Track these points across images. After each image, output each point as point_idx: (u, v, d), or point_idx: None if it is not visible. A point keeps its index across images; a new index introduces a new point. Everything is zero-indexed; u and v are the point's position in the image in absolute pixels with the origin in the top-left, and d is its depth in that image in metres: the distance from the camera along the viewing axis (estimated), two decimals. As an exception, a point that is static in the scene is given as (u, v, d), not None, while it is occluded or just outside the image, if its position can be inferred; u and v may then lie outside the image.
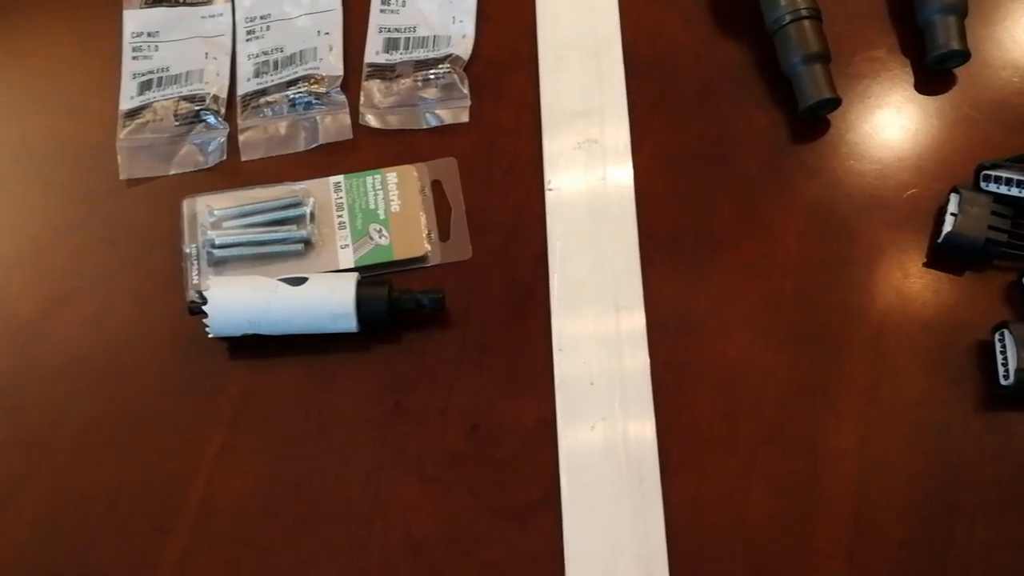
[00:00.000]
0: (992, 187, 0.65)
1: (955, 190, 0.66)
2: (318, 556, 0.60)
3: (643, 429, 0.61)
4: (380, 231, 0.68)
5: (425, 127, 0.72)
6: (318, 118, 0.72)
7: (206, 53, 0.75)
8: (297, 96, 0.72)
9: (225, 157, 0.72)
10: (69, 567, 0.60)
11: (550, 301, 0.66)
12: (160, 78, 0.74)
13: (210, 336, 0.64)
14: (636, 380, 0.63)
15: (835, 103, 0.69)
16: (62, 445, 0.64)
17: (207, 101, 0.72)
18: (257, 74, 0.74)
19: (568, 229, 0.68)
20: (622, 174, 0.70)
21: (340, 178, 0.70)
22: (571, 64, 0.74)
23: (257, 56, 0.75)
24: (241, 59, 0.75)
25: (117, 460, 0.63)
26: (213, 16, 0.77)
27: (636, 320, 0.65)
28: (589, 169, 0.70)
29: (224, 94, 0.74)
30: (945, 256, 0.66)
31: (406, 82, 0.72)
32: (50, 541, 0.61)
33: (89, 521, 0.62)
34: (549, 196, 0.69)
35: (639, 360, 0.63)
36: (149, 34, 0.76)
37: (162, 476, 0.63)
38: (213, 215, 0.68)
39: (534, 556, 0.59)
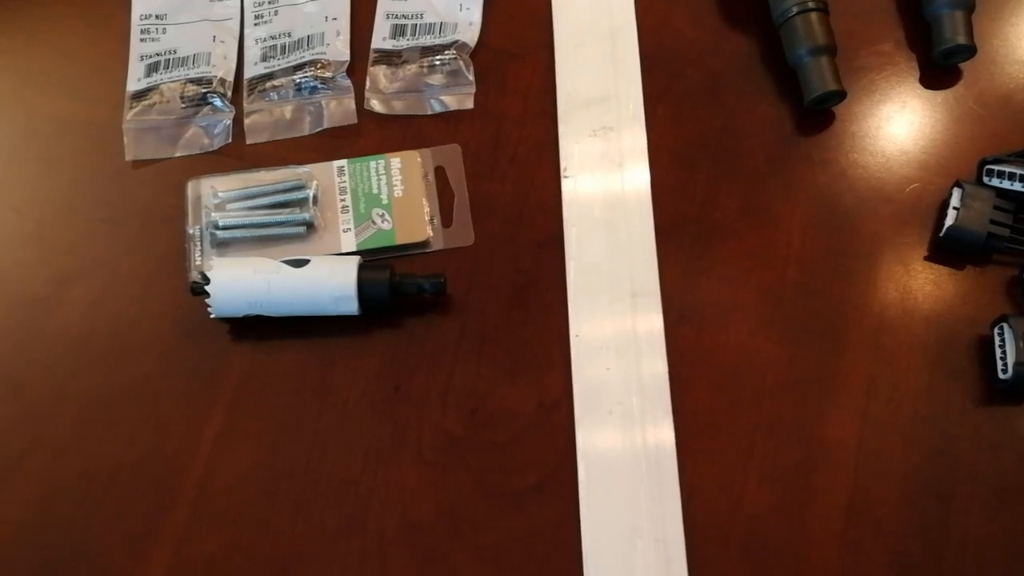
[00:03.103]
0: (995, 182, 0.65)
1: (958, 184, 0.66)
2: (316, 537, 0.60)
3: (658, 414, 0.62)
4: (383, 215, 0.68)
5: (430, 113, 0.72)
6: (323, 102, 0.72)
7: (214, 36, 0.75)
8: (303, 80, 0.72)
9: (230, 140, 0.72)
10: (67, 544, 0.61)
11: (567, 288, 0.66)
12: (167, 60, 0.74)
13: (212, 317, 0.64)
14: (653, 367, 0.63)
15: (840, 96, 0.69)
16: (63, 423, 0.64)
17: (214, 84, 0.73)
18: (264, 58, 0.74)
19: (583, 216, 0.68)
20: (638, 161, 0.70)
21: (344, 162, 0.70)
22: (586, 51, 0.74)
23: (264, 40, 0.75)
24: (248, 43, 0.75)
25: (117, 439, 0.63)
26: (221, 0, 0.77)
27: (652, 306, 0.65)
28: (605, 156, 0.70)
29: (231, 77, 0.74)
30: (947, 250, 0.66)
31: (412, 68, 0.72)
32: (49, 518, 0.61)
33: (88, 499, 0.62)
34: (565, 183, 0.69)
35: (655, 347, 0.64)
36: (157, 16, 0.76)
37: (162, 455, 0.63)
38: (217, 197, 0.68)
39: (531, 539, 0.59)
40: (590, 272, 0.66)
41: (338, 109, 0.72)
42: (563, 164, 0.70)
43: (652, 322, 0.64)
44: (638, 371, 0.63)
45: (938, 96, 0.71)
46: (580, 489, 0.60)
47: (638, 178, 0.69)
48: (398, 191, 0.69)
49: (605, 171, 0.69)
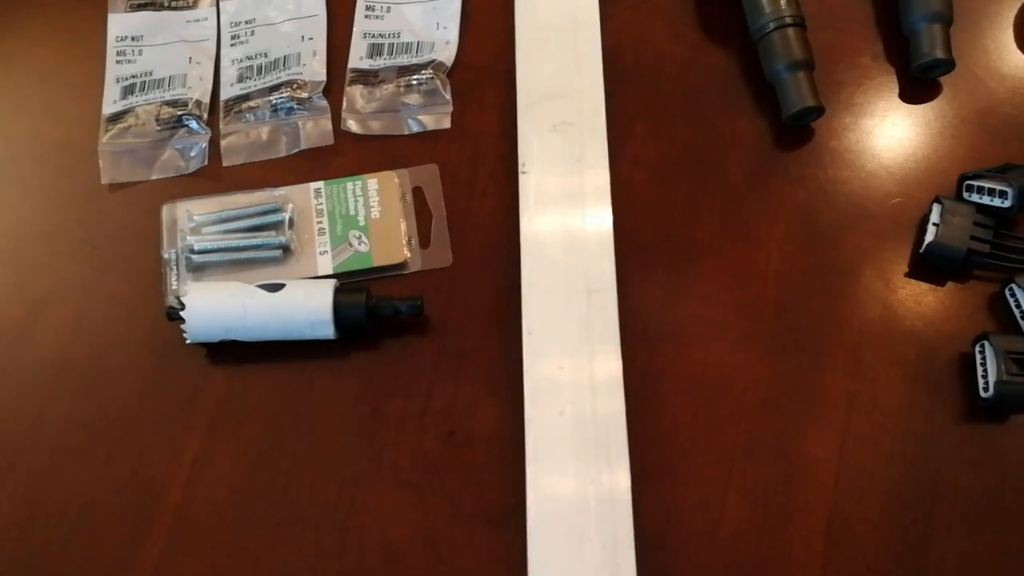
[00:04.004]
0: (974, 197, 0.65)
1: (937, 200, 0.65)
2: (294, 563, 0.60)
3: (612, 458, 0.59)
4: (360, 238, 0.68)
5: (407, 133, 0.72)
6: (300, 123, 0.72)
7: (190, 58, 0.75)
8: (279, 101, 0.72)
9: (207, 162, 0.72)
10: (44, 571, 0.60)
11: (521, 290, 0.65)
12: (143, 82, 0.74)
13: (188, 342, 0.64)
14: (609, 407, 0.60)
15: (819, 111, 0.69)
16: (39, 449, 0.64)
17: (190, 106, 0.72)
18: (240, 79, 0.74)
19: (541, 211, 0.67)
20: (598, 156, 0.68)
21: (320, 184, 0.69)
22: (548, 45, 0.72)
23: (241, 61, 0.75)
24: (225, 64, 0.75)
25: (94, 464, 0.63)
26: (198, 20, 0.77)
27: (608, 305, 0.63)
28: (565, 151, 0.68)
29: (207, 99, 0.73)
30: (927, 266, 0.66)
31: (389, 88, 0.72)
32: (25, 544, 0.61)
33: (65, 525, 0.61)
34: (522, 179, 0.68)
35: (612, 375, 0.61)
36: (133, 38, 0.76)
37: (139, 481, 0.62)
38: (193, 220, 0.68)
39: (510, 562, 0.59)
40: (546, 270, 0.64)
41: (315, 130, 0.72)
42: (521, 160, 0.68)
43: (608, 327, 0.62)
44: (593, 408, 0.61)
45: (917, 110, 0.71)
46: (529, 523, 0.58)
47: (598, 173, 0.67)
48: (375, 212, 0.68)
49: (564, 166, 0.68)
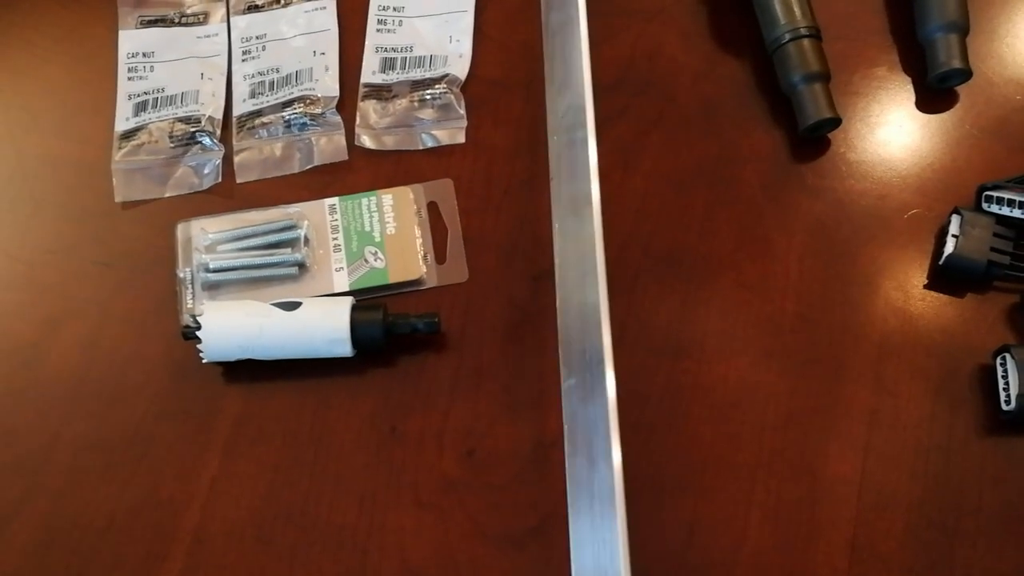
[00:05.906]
0: (994, 208, 0.64)
1: (956, 211, 0.65)
2: (313, 584, 0.59)
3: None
4: (375, 254, 0.67)
5: (421, 148, 0.72)
6: (313, 139, 0.71)
7: (201, 74, 0.75)
8: (292, 117, 0.71)
9: (220, 179, 0.71)
10: (63, 594, 0.60)
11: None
12: (156, 99, 0.74)
13: (204, 361, 0.63)
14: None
15: (835, 123, 0.68)
16: (56, 470, 0.63)
17: (202, 122, 0.72)
18: (253, 95, 0.73)
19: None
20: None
21: (335, 200, 0.69)
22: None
23: (253, 77, 0.74)
24: (237, 79, 0.75)
25: (111, 485, 0.63)
26: (209, 36, 0.76)
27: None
28: None
29: (219, 115, 0.73)
30: (947, 278, 0.65)
31: (402, 102, 0.72)
32: (44, 567, 0.61)
33: (83, 547, 0.61)
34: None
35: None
36: (144, 54, 0.76)
37: (157, 501, 0.62)
38: (207, 239, 0.68)
39: (531, 584, 0.59)
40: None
41: (328, 146, 0.71)
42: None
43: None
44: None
45: (934, 120, 0.71)
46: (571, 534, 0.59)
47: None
48: (391, 228, 0.68)
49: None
